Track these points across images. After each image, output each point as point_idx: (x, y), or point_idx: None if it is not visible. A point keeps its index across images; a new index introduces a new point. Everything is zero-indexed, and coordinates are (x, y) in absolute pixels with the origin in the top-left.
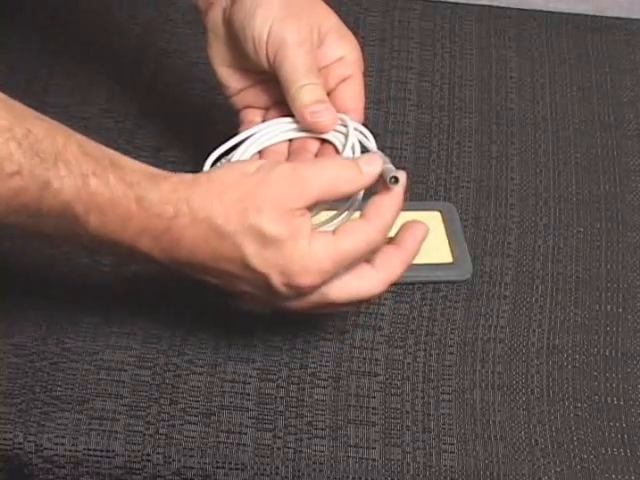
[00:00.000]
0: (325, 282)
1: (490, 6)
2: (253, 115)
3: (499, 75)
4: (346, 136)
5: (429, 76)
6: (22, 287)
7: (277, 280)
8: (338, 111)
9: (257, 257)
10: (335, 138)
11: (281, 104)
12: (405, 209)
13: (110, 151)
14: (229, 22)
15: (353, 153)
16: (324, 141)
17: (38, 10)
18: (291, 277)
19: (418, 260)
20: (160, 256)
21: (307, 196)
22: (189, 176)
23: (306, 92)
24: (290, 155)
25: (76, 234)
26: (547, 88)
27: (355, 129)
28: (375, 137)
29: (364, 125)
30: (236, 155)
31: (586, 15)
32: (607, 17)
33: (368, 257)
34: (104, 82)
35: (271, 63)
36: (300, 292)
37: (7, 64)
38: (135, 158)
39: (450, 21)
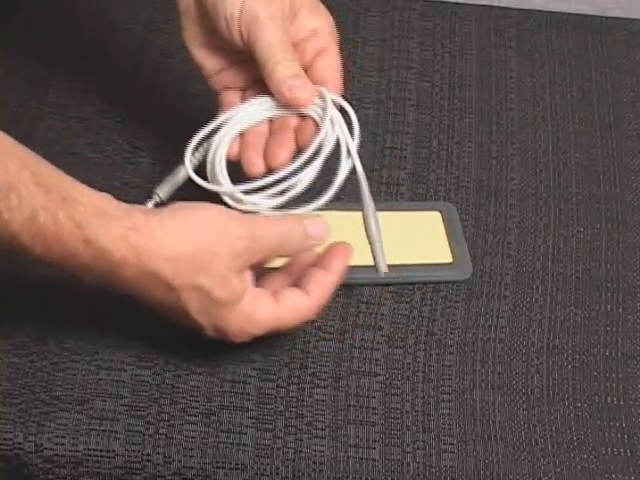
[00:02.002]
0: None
1: (490, 6)
2: (232, 96)
3: (499, 75)
4: (324, 109)
5: (429, 76)
6: (22, 287)
7: (211, 332)
8: (316, 84)
9: (199, 313)
10: (314, 112)
11: (259, 83)
12: (405, 209)
13: (63, 179)
14: (201, 2)
15: (332, 126)
16: (305, 117)
17: (38, 10)
18: (226, 335)
19: (418, 260)
20: (103, 286)
21: (256, 259)
22: (141, 220)
23: (282, 68)
24: (271, 134)
25: (22, 258)
26: (547, 88)
27: (333, 101)
28: (375, 137)
29: (344, 98)
30: (216, 139)
31: (586, 15)
32: (607, 17)
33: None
34: (104, 82)
35: (245, 40)
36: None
37: (7, 64)
38: (135, 158)
39: (450, 21)
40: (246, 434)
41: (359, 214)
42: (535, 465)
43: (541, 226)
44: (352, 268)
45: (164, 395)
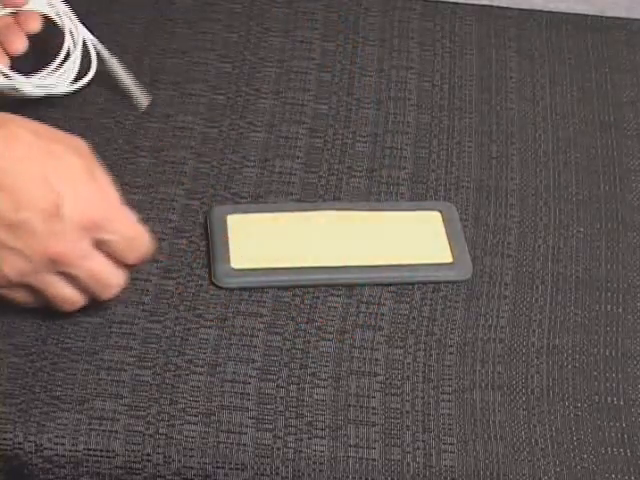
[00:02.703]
0: None
1: (490, 6)
2: None
3: (499, 75)
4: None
5: (429, 76)
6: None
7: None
8: None
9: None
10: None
11: None
12: (405, 209)
13: None
14: None
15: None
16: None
17: None
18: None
19: (418, 260)
20: None
21: None
22: None
23: None
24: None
25: None
26: (547, 88)
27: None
28: (375, 137)
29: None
30: None
31: (586, 15)
32: (607, 17)
33: None
34: (104, 82)
35: None
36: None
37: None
38: (135, 158)
39: (450, 21)
40: (246, 434)
41: (356, 213)
42: (535, 465)
43: (541, 226)
44: (351, 268)
45: (164, 395)
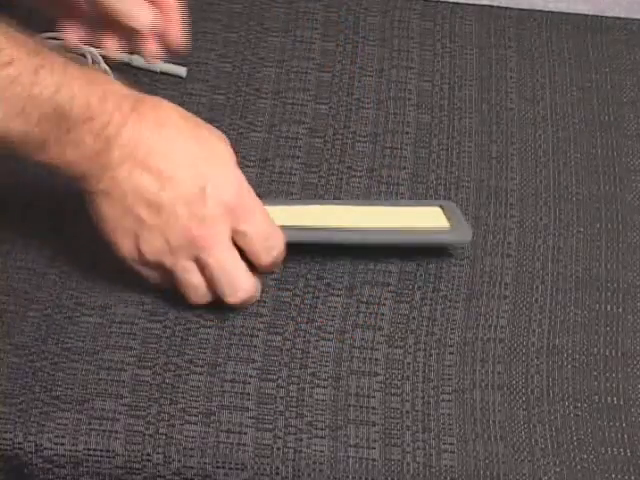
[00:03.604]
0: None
1: (490, 6)
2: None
3: (499, 75)
4: None
5: (429, 76)
6: (22, 287)
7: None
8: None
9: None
10: None
11: None
12: (405, 205)
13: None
14: None
15: None
16: None
17: (37, 11)
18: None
19: (414, 224)
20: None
21: None
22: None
23: None
24: None
25: (55, 128)
26: (547, 88)
27: None
28: (375, 137)
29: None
30: None
31: (586, 15)
32: (607, 17)
33: None
34: None
35: None
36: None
37: None
38: None
39: (450, 21)
40: (246, 434)
41: (356, 208)
42: (535, 465)
43: (541, 226)
44: (357, 230)
45: (164, 395)
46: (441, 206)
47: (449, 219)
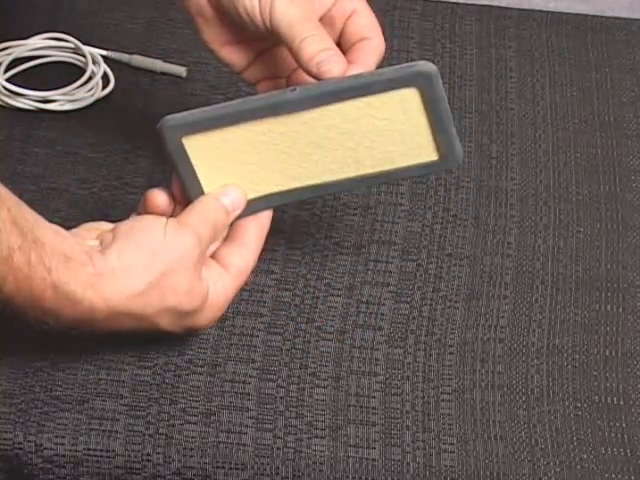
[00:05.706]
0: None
1: (490, 6)
2: (269, 86)
3: (499, 75)
4: None
5: None
6: None
7: (182, 334)
8: (357, 46)
9: (172, 326)
10: None
11: (297, 70)
12: (372, 92)
13: (35, 219)
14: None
15: None
16: None
17: (38, 12)
18: (198, 330)
19: (398, 164)
20: (68, 329)
21: (205, 253)
22: (102, 263)
23: (307, 44)
24: None
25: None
26: (547, 88)
27: None
28: None
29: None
30: None
31: (586, 15)
32: (607, 17)
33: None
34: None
35: (268, 27)
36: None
37: None
38: (135, 158)
39: (450, 21)
40: (246, 434)
41: (322, 112)
42: (535, 465)
43: (541, 226)
44: (335, 183)
45: (164, 395)
46: (418, 87)
47: (434, 133)
